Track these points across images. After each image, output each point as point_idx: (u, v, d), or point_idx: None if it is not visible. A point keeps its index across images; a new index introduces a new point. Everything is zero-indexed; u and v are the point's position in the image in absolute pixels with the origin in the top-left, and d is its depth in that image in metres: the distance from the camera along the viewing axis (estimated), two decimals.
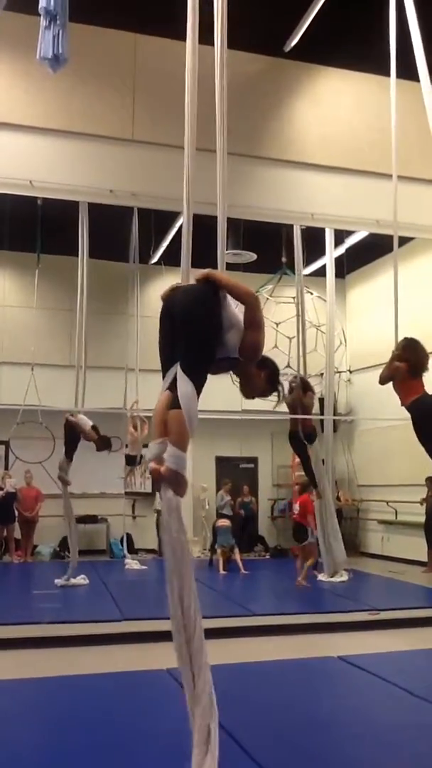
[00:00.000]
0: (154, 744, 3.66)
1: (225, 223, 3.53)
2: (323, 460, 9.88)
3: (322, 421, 10.45)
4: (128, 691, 4.70)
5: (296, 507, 9.53)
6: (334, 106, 8.19)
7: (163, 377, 3.07)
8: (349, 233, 11.07)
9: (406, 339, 5.81)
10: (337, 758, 3.53)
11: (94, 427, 9.31)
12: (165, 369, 3.07)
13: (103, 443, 9.31)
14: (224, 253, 3.49)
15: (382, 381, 5.64)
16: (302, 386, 9.26)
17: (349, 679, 5.06)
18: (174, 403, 2.94)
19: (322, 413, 10.57)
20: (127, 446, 11.33)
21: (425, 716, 4.23)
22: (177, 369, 2.98)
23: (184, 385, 2.95)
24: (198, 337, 3.05)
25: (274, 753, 3.49)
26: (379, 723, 4.13)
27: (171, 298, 3.16)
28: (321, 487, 9.31)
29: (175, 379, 2.97)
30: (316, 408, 10.04)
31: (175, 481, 2.98)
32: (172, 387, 2.97)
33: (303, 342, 9.73)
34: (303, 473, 13.01)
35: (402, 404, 5.56)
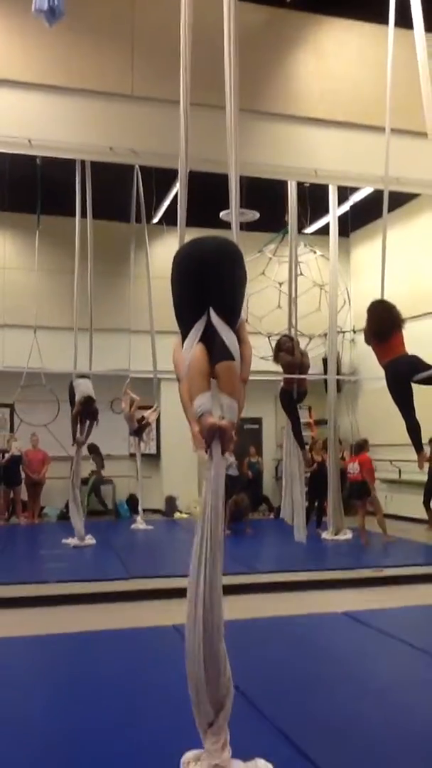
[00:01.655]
0: (164, 698, 3.74)
1: (238, 178, 3.43)
2: (326, 420, 9.88)
3: (326, 381, 10.44)
4: (136, 647, 4.79)
5: (354, 466, 9.50)
6: (337, 59, 7.99)
7: (185, 326, 2.95)
8: (354, 190, 10.89)
9: (371, 302, 5.82)
10: (341, 711, 3.60)
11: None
12: (188, 318, 2.95)
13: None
14: (238, 210, 3.39)
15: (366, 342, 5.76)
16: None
17: (353, 635, 5.15)
18: (218, 354, 2.85)
19: (326, 373, 10.56)
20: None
21: (428, 670, 4.31)
22: (213, 319, 2.87)
23: (229, 335, 2.88)
24: (237, 292, 2.98)
25: (280, 706, 3.56)
26: (382, 677, 4.21)
27: (199, 245, 3.02)
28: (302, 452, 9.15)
29: (207, 330, 2.87)
30: (313, 368, 9.95)
31: (231, 436, 2.82)
32: (206, 338, 2.87)
33: (294, 300, 9.46)
34: (312, 434, 13.16)
35: (380, 364, 5.63)
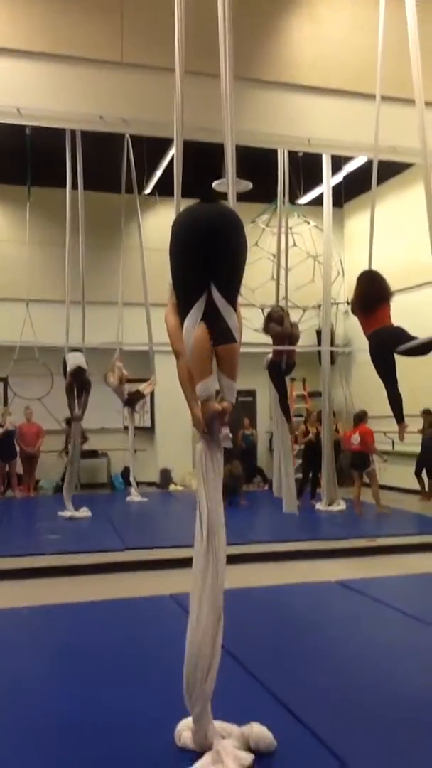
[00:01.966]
0: (161, 666, 3.79)
1: (233, 148, 3.36)
2: (320, 392, 9.88)
3: (320, 352, 10.43)
4: (133, 616, 4.84)
5: (355, 437, 9.55)
6: (331, 25, 7.85)
7: (184, 298, 2.85)
8: (347, 159, 10.79)
9: (361, 273, 5.81)
10: (334, 677, 3.66)
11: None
12: (188, 290, 2.84)
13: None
14: (234, 180, 3.32)
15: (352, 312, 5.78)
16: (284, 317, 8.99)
17: (347, 603, 5.21)
18: (221, 336, 2.81)
19: (319, 345, 10.55)
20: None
21: (420, 637, 4.37)
22: (216, 298, 2.80)
23: (231, 316, 2.84)
24: (240, 270, 2.89)
25: (275, 673, 3.61)
26: (375, 644, 4.27)
27: (200, 214, 2.84)
28: (288, 424, 9.16)
29: (209, 309, 2.80)
30: (307, 340, 9.93)
31: (227, 417, 2.85)
32: (206, 316, 2.80)
33: (286, 271, 9.41)
34: (306, 406, 13.19)
35: (365, 335, 5.65)
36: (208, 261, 2.80)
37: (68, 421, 11.73)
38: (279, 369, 8.73)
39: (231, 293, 2.87)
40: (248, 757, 2.70)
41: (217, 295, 2.82)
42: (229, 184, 3.35)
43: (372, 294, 5.54)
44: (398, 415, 5.83)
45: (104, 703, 3.32)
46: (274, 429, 9.03)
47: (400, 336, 5.40)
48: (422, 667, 3.83)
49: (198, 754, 2.71)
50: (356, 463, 9.72)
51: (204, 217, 2.83)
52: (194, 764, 2.64)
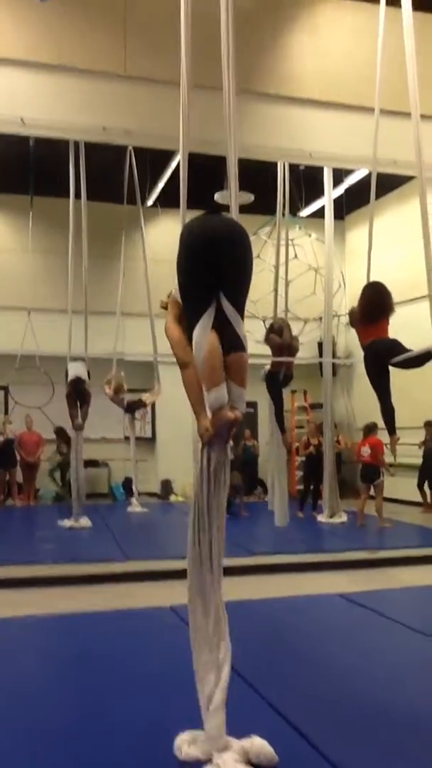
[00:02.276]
0: (161, 678, 3.77)
1: (236, 159, 3.37)
2: (321, 404, 9.89)
3: (321, 364, 10.43)
4: (133, 628, 4.81)
5: (365, 449, 9.51)
6: (332, 39, 7.90)
7: (192, 307, 2.87)
8: (349, 172, 10.83)
9: (367, 284, 5.84)
10: (336, 690, 3.64)
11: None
12: (196, 300, 2.86)
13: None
14: (237, 193, 3.33)
15: (350, 323, 5.79)
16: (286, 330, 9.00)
17: (348, 616, 5.19)
18: (231, 345, 2.84)
19: (321, 356, 10.56)
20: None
21: (422, 650, 4.35)
22: (226, 307, 2.83)
23: (240, 325, 2.87)
24: (248, 280, 2.94)
25: (275, 685, 3.59)
26: (377, 656, 4.25)
27: (210, 225, 2.89)
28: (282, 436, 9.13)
29: (218, 317, 2.82)
30: (309, 352, 9.90)
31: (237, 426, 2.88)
32: (217, 327, 2.81)
33: (278, 284, 9.37)
34: (307, 417, 13.17)
35: (361, 346, 5.66)
36: (218, 270, 2.83)
37: (58, 432, 11.81)
38: (276, 380, 8.70)
39: (239, 303, 2.90)
40: None
41: (226, 304, 2.85)
42: (232, 196, 3.36)
43: (378, 305, 5.56)
44: (390, 427, 5.84)
45: (104, 713, 3.30)
46: (270, 441, 8.96)
47: (396, 348, 5.42)
48: (424, 680, 3.81)
49: (200, 766, 2.69)
50: (366, 475, 9.63)
51: (214, 227, 2.88)
52: None
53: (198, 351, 2.83)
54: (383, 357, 5.44)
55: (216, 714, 2.78)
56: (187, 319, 2.94)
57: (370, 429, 9.64)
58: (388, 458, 12.09)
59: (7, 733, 3.13)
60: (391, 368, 5.56)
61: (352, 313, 5.87)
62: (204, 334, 2.81)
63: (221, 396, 2.82)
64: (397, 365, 5.43)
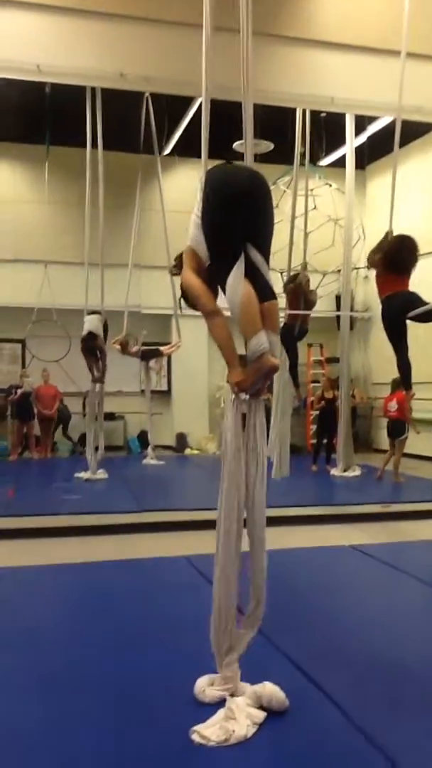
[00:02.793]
0: (178, 625, 3.85)
1: (251, 105, 3.25)
2: (337, 358, 9.81)
3: (338, 318, 10.33)
4: (149, 576, 4.91)
5: (392, 404, 9.49)
6: None
7: (219, 254, 2.90)
8: (371, 120, 10.53)
9: (400, 234, 5.74)
10: (348, 639, 3.70)
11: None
12: (224, 247, 2.89)
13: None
14: (252, 141, 3.22)
15: (368, 264, 5.67)
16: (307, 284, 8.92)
17: (361, 567, 5.25)
18: (264, 293, 2.90)
19: (338, 309, 10.45)
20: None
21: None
22: (254, 257, 2.88)
23: (268, 274, 2.94)
24: (272, 230, 3.02)
25: (288, 635, 3.65)
26: (388, 606, 4.31)
27: (239, 175, 2.96)
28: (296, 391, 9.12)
29: (249, 267, 2.86)
30: (327, 305, 9.74)
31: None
32: (249, 276, 2.85)
33: (292, 238, 9.19)
34: (323, 371, 13.12)
35: (379, 297, 5.60)
36: (248, 221, 2.89)
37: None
38: (292, 333, 8.63)
39: (266, 253, 2.96)
40: (260, 715, 2.76)
41: (255, 254, 2.89)
42: (247, 146, 3.26)
43: (404, 259, 5.48)
44: (406, 382, 5.80)
45: (120, 658, 3.39)
46: (277, 392, 8.86)
47: (414, 301, 5.34)
48: None
49: (212, 710, 2.77)
50: (393, 430, 9.62)
51: (245, 178, 2.94)
52: (209, 720, 2.69)
53: (233, 299, 2.84)
54: (401, 311, 5.37)
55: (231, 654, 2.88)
56: (215, 269, 2.94)
57: (398, 384, 9.56)
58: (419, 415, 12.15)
59: (25, 676, 3.22)
60: (409, 322, 5.50)
61: (375, 254, 5.78)
62: (239, 282, 2.83)
63: (263, 342, 2.84)
64: (414, 319, 5.37)
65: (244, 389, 2.90)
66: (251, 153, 3.24)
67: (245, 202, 2.87)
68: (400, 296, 5.43)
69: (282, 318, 8.70)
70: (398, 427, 9.52)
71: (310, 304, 8.71)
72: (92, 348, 9.37)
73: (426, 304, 5.29)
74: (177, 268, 3.21)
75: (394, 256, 5.52)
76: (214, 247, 2.94)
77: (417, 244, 5.59)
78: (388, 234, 5.94)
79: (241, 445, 2.92)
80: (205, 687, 2.91)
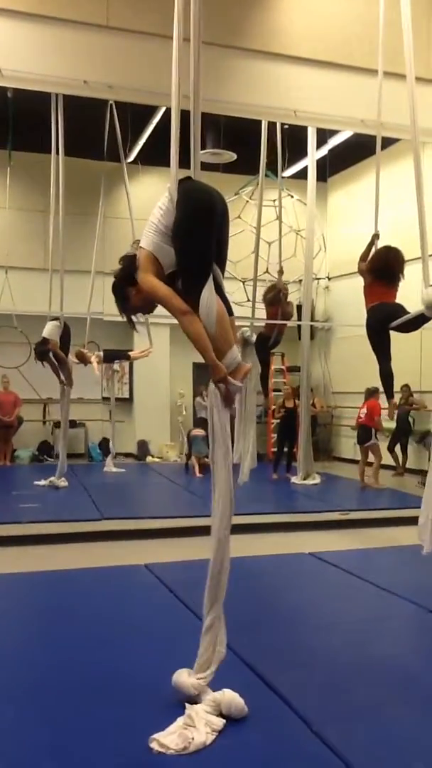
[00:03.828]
0: (139, 631, 3.85)
1: (199, 116, 3.24)
2: (298, 367, 9.93)
3: (299, 327, 10.44)
4: (108, 585, 4.89)
5: (363, 411, 9.73)
6: None
7: (198, 271, 2.96)
8: (332, 134, 10.71)
9: (388, 246, 5.87)
10: (305, 645, 3.75)
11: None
12: (203, 264, 2.97)
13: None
14: (198, 152, 3.22)
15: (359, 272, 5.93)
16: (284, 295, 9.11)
17: (318, 574, 5.31)
18: (228, 310, 3.10)
19: (299, 320, 10.57)
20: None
21: (390, 607, 4.47)
22: (217, 275, 3.02)
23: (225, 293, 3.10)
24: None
25: (247, 641, 3.67)
26: (347, 613, 4.37)
27: (215, 193, 3.10)
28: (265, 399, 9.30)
29: (217, 284, 3.00)
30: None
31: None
32: (217, 292, 2.99)
33: (258, 248, 9.26)
34: (284, 380, 13.23)
35: (365, 307, 5.72)
36: (219, 238, 3.05)
37: None
38: (266, 343, 8.77)
39: (223, 270, 3.13)
40: (219, 722, 2.77)
41: (217, 271, 3.04)
42: (193, 158, 3.20)
43: (395, 267, 5.61)
44: (388, 391, 5.90)
45: (82, 665, 3.38)
46: (243, 400, 8.89)
47: (397, 312, 5.45)
48: (391, 637, 3.93)
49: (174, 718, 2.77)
50: (360, 437, 9.91)
51: (218, 196, 3.09)
52: (167, 728, 2.69)
53: (209, 316, 2.93)
54: (384, 321, 5.49)
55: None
56: (188, 284, 2.99)
57: (371, 393, 9.78)
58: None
59: None
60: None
61: (362, 261, 5.93)
62: (213, 299, 2.94)
63: (237, 355, 3.08)
64: (397, 329, 5.49)
65: (227, 382, 2.97)
66: (197, 165, 3.20)
67: (221, 222, 3.04)
68: (384, 307, 5.54)
69: (243, 328, 8.77)
70: (363, 433, 9.72)
71: (286, 315, 8.90)
72: (43, 352, 9.25)
73: (407, 313, 5.41)
74: (123, 270, 3.18)
75: (383, 266, 5.64)
76: (190, 261, 2.99)
77: (402, 256, 5.73)
78: (374, 238, 6.08)
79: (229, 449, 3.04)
80: (183, 676, 2.92)
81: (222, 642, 2.95)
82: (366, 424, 9.67)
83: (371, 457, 9.93)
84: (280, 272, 9.41)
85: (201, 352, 2.96)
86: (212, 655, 2.93)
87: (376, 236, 6.13)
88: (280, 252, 9.63)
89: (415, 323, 5.35)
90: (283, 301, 8.87)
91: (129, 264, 3.14)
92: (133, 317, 3.35)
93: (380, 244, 6.17)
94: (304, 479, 9.89)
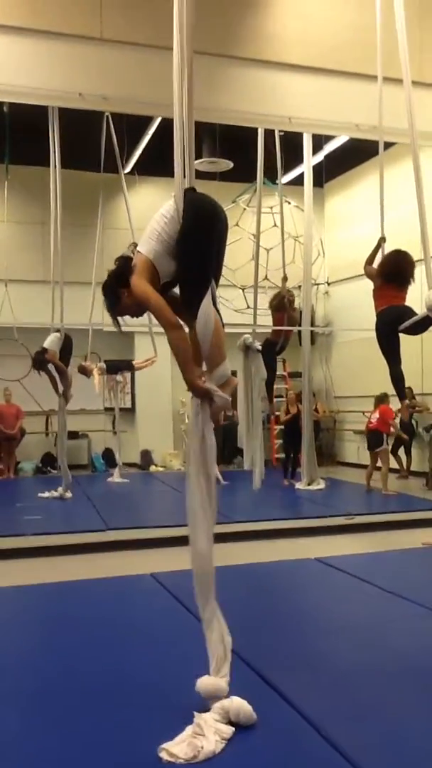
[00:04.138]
0: (146, 640, 3.84)
1: (187, 124, 3.21)
2: (300, 373, 9.98)
3: (299, 333, 10.46)
4: (115, 594, 4.88)
5: (374, 416, 9.67)
6: (313, 2, 7.77)
7: (199, 284, 2.97)
8: (328, 139, 10.75)
9: (394, 249, 5.90)
10: (316, 652, 3.73)
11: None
12: (207, 278, 2.98)
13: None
14: (185, 162, 3.17)
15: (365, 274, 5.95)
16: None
17: (325, 578, 5.29)
18: (222, 323, 3.06)
19: (300, 325, 10.58)
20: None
21: (398, 610, 4.46)
22: (214, 288, 3.02)
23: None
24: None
25: (256, 649, 3.66)
26: (354, 616, 4.35)
27: (220, 208, 3.13)
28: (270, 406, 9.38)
29: (213, 297, 3.00)
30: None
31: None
32: (213, 304, 3.00)
33: (258, 255, 9.29)
34: (286, 386, 13.24)
35: (375, 311, 5.73)
36: (219, 251, 3.07)
37: None
38: (273, 349, 8.84)
39: (218, 282, 3.12)
40: (228, 730, 2.75)
41: (212, 283, 3.01)
42: (177, 163, 3.14)
43: (407, 270, 5.64)
44: (400, 392, 5.90)
45: (88, 673, 3.37)
46: (244, 407, 8.86)
47: (406, 314, 5.47)
48: (398, 640, 3.91)
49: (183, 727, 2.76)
50: (370, 441, 9.83)
51: (220, 206, 3.11)
52: (176, 737, 2.68)
53: (206, 328, 2.93)
54: (394, 324, 5.50)
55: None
56: (189, 295, 3.00)
57: (381, 399, 9.79)
58: (360, 425, 12.28)
59: None
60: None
61: (369, 264, 5.96)
62: (211, 309, 2.94)
63: (227, 369, 3.06)
64: (405, 331, 5.51)
65: (210, 396, 2.96)
66: (184, 172, 3.15)
67: (224, 235, 3.09)
68: (393, 310, 5.55)
69: (245, 336, 8.79)
70: (374, 439, 9.68)
71: (293, 321, 8.96)
72: (41, 362, 9.26)
73: (415, 315, 5.42)
74: (117, 270, 3.17)
75: (393, 270, 5.65)
76: (195, 272, 2.99)
77: (411, 259, 5.75)
78: (380, 241, 6.10)
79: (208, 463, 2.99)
80: (205, 679, 2.90)
81: (226, 632, 2.95)
82: (378, 429, 9.60)
83: (379, 462, 9.89)
84: (285, 279, 9.45)
85: (182, 368, 2.96)
86: (223, 648, 2.92)
87: (382, 240, 6.14)
88: (284, 258, 9.67)
89: (423, 325, 5.36)
90: (289, 307, 8.97)
91: (124, 265, 3.13)
92: (120, 320, 3.30)
93: (373, 246, 6.20)
94: (309, 485, 9.87)
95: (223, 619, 2.95)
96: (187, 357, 2.96)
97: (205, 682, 2.88)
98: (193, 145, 3.19)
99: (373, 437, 9.75)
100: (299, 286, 10.74)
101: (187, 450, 3.11)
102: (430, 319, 5.19)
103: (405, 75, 5.09)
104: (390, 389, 11.41)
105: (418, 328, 5.40)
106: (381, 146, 6.51)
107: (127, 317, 3.29)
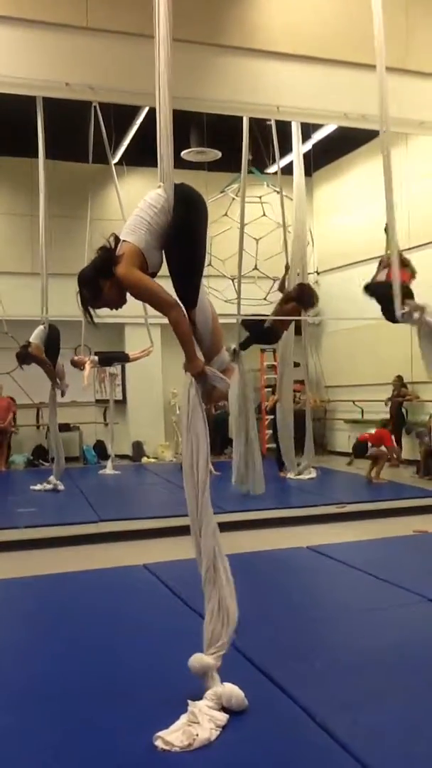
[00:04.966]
0: (140, 631, 3.86)
1: (168, 113, 3.16)
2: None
3: (296, 323, 10.45)
4: (108, 585, 4.89)
5: (369, 433, 9.76)
6: None
7: (197, 276, 3.08)
8: (316, 128, 10.72)
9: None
10: (308, 640, 3.76)
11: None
12: (200, 269, 3.11)
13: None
14: (171, 151, 3.13)
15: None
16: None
17: (317, 566, 5.33)
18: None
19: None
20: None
21: (390, 597, 4.49)
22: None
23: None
24: None
25: (247, 636, 3.67)
26: (347, 605, 4.39)
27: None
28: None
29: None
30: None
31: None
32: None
33: (242, 245, 9.24)
34: (275, 376, 13.24)
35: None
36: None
37: None
38: (278, 336, 8.69)
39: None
40: (223, 717, 2.78)
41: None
42: (159, 154, 3.11)
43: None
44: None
45: (83, 664, 3.39)
46: (237, 409, 8.81)
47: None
48: (391, 628, 3.94)
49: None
50: (356, 449, 10.00)
51: (204, 199, 3.18)
52: (171, 726, 2.70)
53: (205, 318, 3.07)
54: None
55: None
56: (186, 285, 3.04)
57: (384, 424, 10.04)
58: (351, 414, 12.32)
59: None
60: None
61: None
62: (206, 301, 3.10)
63: (226, 356, 3.24)
64: (366, 289, 5.57)
65: (206, 374, 3.00)
66: (170, 163, 3.12)
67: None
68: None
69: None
70: (359, 447, 9.77)
71: (295, 314, 8.99)
72: (25, 356, 9.21)
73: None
74: (100, 261, 3.06)
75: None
76: (192, 263, 3.04)
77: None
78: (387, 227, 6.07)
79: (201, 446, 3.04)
80: (197, 656, 2.92)
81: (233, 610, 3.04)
82: (367, 440, 9.57)
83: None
84: (287, 267, 9.41)
85: (184, 346, 2.97)
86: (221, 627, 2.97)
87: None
88: (286, 249, 9.62)
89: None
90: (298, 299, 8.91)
91: (107, 255, 3.03)
92: (93, 312, 3.14)
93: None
94: (299, 474, 9.91)
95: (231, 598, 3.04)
96: (190, 335, 2.98)
97: (191, 660, 2.91)
98: (172, 134, 3.15)
99: (359, 445, 9.80)
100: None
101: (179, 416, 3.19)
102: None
103: (379, 60, 5.04)
104: (381, 378, 11.53)
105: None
106: (383, 136, 6.45)
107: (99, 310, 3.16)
